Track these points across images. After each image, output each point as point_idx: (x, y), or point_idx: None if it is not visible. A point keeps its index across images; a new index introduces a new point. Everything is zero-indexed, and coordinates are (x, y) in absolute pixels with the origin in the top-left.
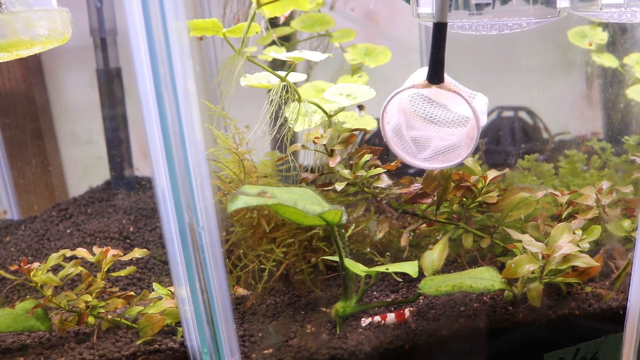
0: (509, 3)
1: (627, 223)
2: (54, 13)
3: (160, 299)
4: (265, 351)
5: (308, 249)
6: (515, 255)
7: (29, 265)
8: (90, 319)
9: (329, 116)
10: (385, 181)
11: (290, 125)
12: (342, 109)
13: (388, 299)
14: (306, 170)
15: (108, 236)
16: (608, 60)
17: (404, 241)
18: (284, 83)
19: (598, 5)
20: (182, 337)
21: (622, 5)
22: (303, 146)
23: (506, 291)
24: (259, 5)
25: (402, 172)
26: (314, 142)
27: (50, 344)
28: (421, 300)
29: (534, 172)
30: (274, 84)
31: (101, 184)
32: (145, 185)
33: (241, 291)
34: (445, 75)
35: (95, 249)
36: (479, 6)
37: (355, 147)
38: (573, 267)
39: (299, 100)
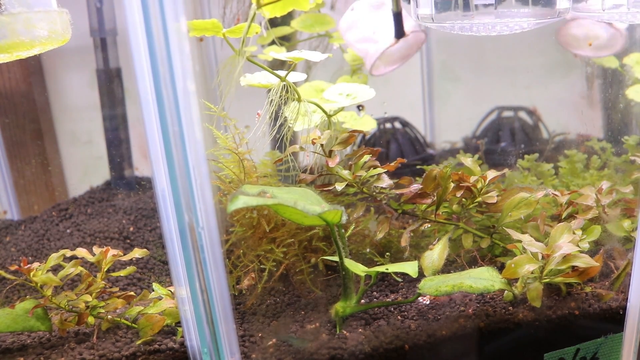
0: (510, 4)
1: (627, 223)
2: (53, 14)
3: (160, 299)
4: (269, 342)
5: (308, 249)
6: (515, 256)
7: (29, 265)
8: (90, 319)
9: (329, 116)
10: (386, 181)
11: (290, 125)
12: (342, 109)
13: (388, 299)
14: (305, 171)
15: (108, 236)
16: (608, 61)
17: (404, 241)
18: (284, 83)
19: (601, 7)
20: (182, 337)
21: (626, 6)
22: (301, 147)
23: (506, 291)
24: (259, 6)
25: (401, 172)
26: (313, 143)
27: (50, 344)
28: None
29: (533, 172)
30: (274, 83)
31: (101, 184)
32: (145, 185)
33: (246, 282)
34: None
35: (95, 249)
36: (477, 7)
37: (354, 147)
38: (573, 267)
39: (299, 99)
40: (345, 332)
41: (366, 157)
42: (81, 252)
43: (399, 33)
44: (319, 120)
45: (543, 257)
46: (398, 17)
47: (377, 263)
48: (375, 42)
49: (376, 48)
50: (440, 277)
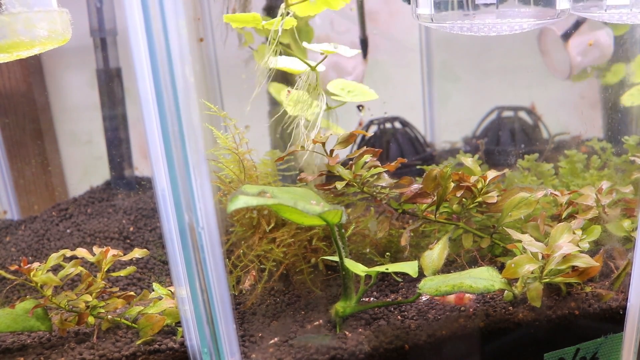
0: (509, 4)
1: (627, 223)
2: (54, 14)
3: (160, 299)
4: (269, 342)
5: (308, 249)
6: (515, 255)
7: (29, 265)
8: (90, 319)
9: (329, 107)
10: (386, 180)
11: (296, 110)
12: (343, 104)
13: (388, 299)
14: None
15: (108, 236)
16: (612, 77)
17: (404, 240)
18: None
19: (603, 7)
20: (182, 337)
21: (629, 7)
22: (302, 147)
23: (506, 291)
24: (287, 5)
25: (401, 172)
26: (314, 143)
27: (50, 344)
28: (421, 301)
29: (534, 172)
30: (300, 70)
31: (101, 184)
32: (145, 185)
33: (248, 283)
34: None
35: (95, 249)
36: (477, 7)
37: (354, 147)
38: (573, 267)
39: (317, 90)
40: (345, 332)
41: (367, 157)
42: (81, 252)
43: (366, 54)
44: (322, 111)
45: (543, 257)
46: (365, 42)
47: (377, 263)
48: (350, 74)
49: (355, 77)
50: (440, 277)
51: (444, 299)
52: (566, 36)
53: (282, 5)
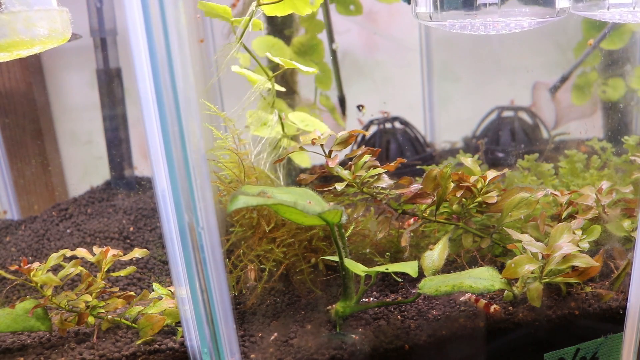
0: (510, 4)
1: (627, 223)
2: (54, 13)
3: (160, 299)
4: (269, 342)
5: (308, 249)
6: (515, 255)
7: (29, 265)
8: (90, 319)
9: (285, 135)
10: (386, 181)
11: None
12: (297, 132)
13: (388, 299)
14: (303, 172)
15: (108, 236)
16: (614, 91)
17: (404, 241)
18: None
19: (605, 6)
20: (182, 337)
21: (631, 5)
22: (301, 147)
23: (506, 291)
24: (259, 4)
25: (401, 172)
26: (312, 144)
27: (50, 344)
28: (421, 301)
29: (533, 172)
30: (258, 80)
31: (101, 184)
32: (145, 185)
33: (253, 275)
34: None
35: (95, 249)
36: (479, 7)
37: (353, 147)
38: (573, 267)
39: (272, 104)
40: (345, 331)
41: (366, 157)
42: (81, 252)
43: (343, 111)
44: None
45: (543, 257)
46: (343, 100)
47: (377, 263)
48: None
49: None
50: (440, 277)
51: (477, 300)
52: (554, 89)
53: (253, 4)
